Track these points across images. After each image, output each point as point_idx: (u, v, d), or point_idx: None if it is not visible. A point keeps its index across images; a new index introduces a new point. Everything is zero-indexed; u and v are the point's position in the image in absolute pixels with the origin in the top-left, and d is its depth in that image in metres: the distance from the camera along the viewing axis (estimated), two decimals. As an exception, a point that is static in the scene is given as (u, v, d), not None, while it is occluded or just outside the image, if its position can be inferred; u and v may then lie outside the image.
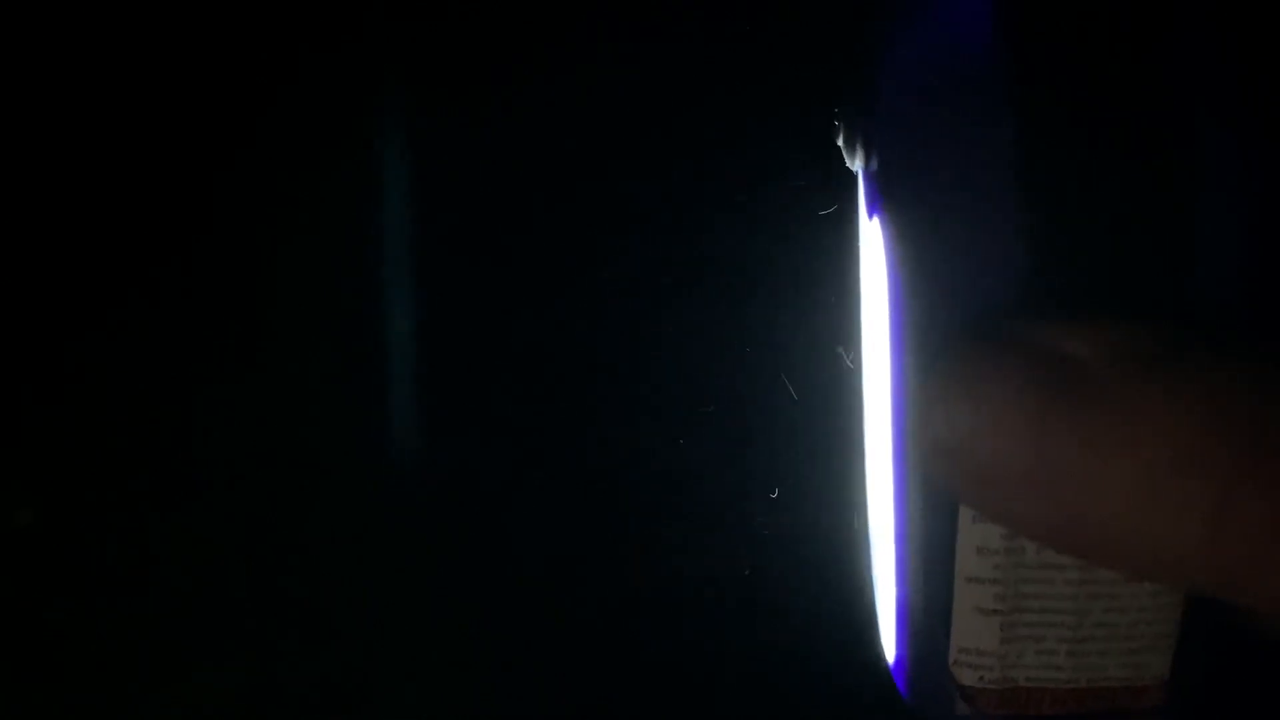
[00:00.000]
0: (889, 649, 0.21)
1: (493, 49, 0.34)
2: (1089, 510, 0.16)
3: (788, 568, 0.33)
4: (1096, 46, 0.17)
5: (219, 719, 0.36)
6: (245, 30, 0.34)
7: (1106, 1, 0.17)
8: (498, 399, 0.36)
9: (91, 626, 0.36)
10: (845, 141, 0.20)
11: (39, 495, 0.36)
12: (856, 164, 0.20)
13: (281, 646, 0.36)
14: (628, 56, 0.33)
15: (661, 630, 0.35)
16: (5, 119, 0.34)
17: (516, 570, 0.36)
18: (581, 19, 0.33)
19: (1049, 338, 0.16)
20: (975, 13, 0.18)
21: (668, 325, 0.34)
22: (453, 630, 0.36)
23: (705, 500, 0.34)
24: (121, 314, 0.35)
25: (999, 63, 0.17)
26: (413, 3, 0.34)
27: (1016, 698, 0.18)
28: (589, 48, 0.33)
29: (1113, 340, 0.16)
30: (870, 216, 0.20)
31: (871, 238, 0.20)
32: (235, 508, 0.36)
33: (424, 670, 0.36)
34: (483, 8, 0.34)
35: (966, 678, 0.19)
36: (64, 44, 0.34)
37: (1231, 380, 0.15)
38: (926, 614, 0.19)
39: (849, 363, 0.25)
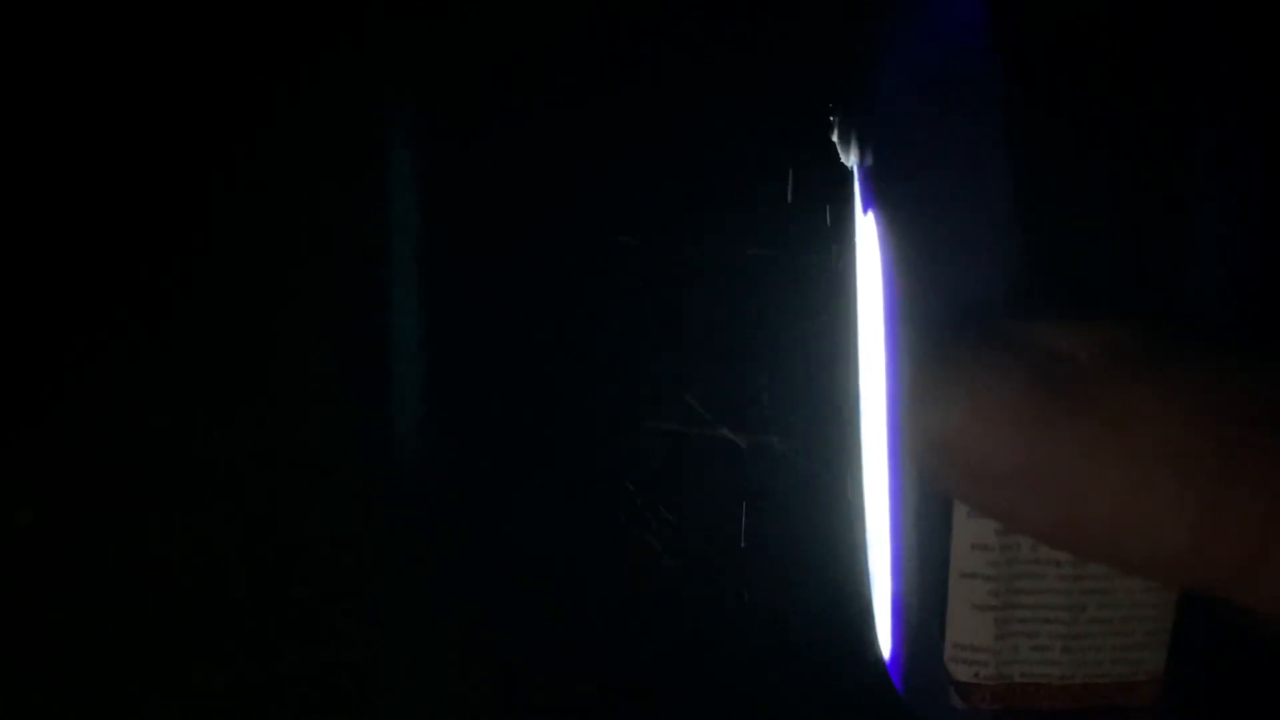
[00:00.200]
0: (884, 645, 0.21)
1: (495, 51, 0.34)
2: (1082, 507, 0.16)
3: (784, 565, 0.33)
4: (1091, 44, 0.17)
5: (219, 719, 0.36)
6: (249, 33, 0.34)
7: (1100, 1, 0.17)
8: (499, 399, 0.36)
9: (91, 626, 0.36)
10: (840, 138, 0.20)
11: (39, 495, 0.36)
12: (852, 160, 0.20)
13: (281, 646, 0.36)
14: (627, 56, 0.33)
15: (660, 629, 0.35)
16: (12, 117, 0.34)
17: (517, 570, 0.36)
18: (581, 19, 0.33)
19: (1043, 335, 0.16)
20: (970, 10, 0.18)
21: (668, 325, 0.34)
22: (453, 630, 0.37)
23: (705, 500, 0.34)
24: (122, 314, 0.36)
25: (994, 60, 0.17)
26: (417, 5, 0.34)
27: (1011, 693, 0.18)
28: (589, 48, 0.34)
29: (1106, 338, 0.16)
30: (865, 213, 0.20)
31: (866, 234, 0.20)
32: (236, 508, 0.36)
33: (424, 670, 0.36)
34: (485, 10, 0.34)
35: (961, 673, 0.19)
36: (65, 47, 0.34)
37: (1224, 379, 0.15)
38: (921, 610, 0.19)
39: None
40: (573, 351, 0.35)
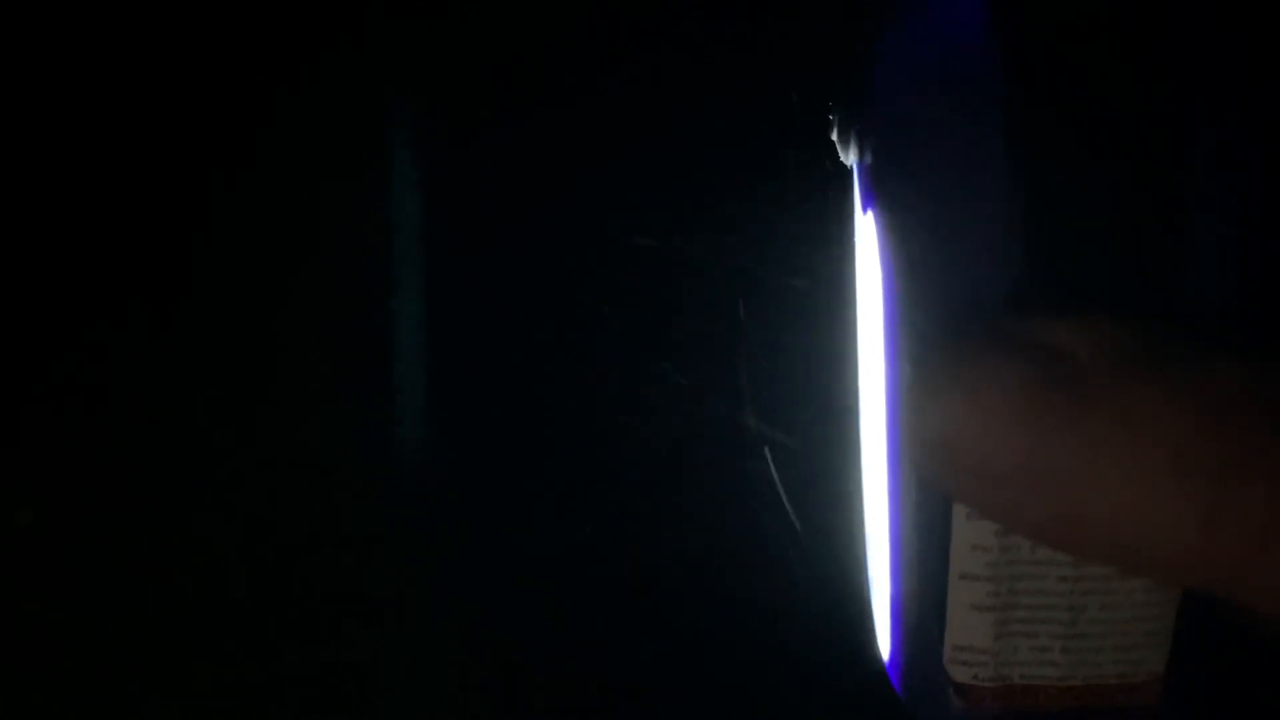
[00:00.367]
0: (884, 646, 0.21)
1: (496, 51, 0.34)
2: (1082, 507, 0.16)
3: (784, 565, 0.33)
4: (1091, 42, 0.17)
5: (219, 719, 0.36)
6: (249, 32, 0.34)
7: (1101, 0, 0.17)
8: (500, 400, 0.36)
9: (91, 626, 0.36)
10: (839, 137, 0.20)
11: (39, 495, 0.36)
12: (851, 159, 0.20)
13: (281, 646, 0.36)
14: (627, 56, 0.33)
15: (660, 630, 0.35)
16: (12, 116, 0.34)
17: (517, 570, 0.36)
18: (581, 18, 0.33)
19: (1043, 334, 0.16)
20: (970, 8, 0.18)
21: (668, 325, 0.34)
22: (453, 630, 0.36)
23: (705, 500, 0.34)
24: (123, 314, 0.36)
25: (993, 58, 0.17)
26: (417, 5, 0.34)
27: (1011, 695, 0.18)
28: (589, 48, 0.34)
29: (1106, 337, 0.16)
30: (865, 211, 0.20)
31: (866, 233, 0.20)
32: (236, 508, 0.36)
33: (424, 670, 0.36)
34: (486, 10, 0.34)
35: (961, 675, 0.19)
36: (66, 48, 0.34)
37: (1225, 378, 0.15)
38: (921, 611, 0.19)
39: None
40: (573, 351, 0.35)
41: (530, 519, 0.35)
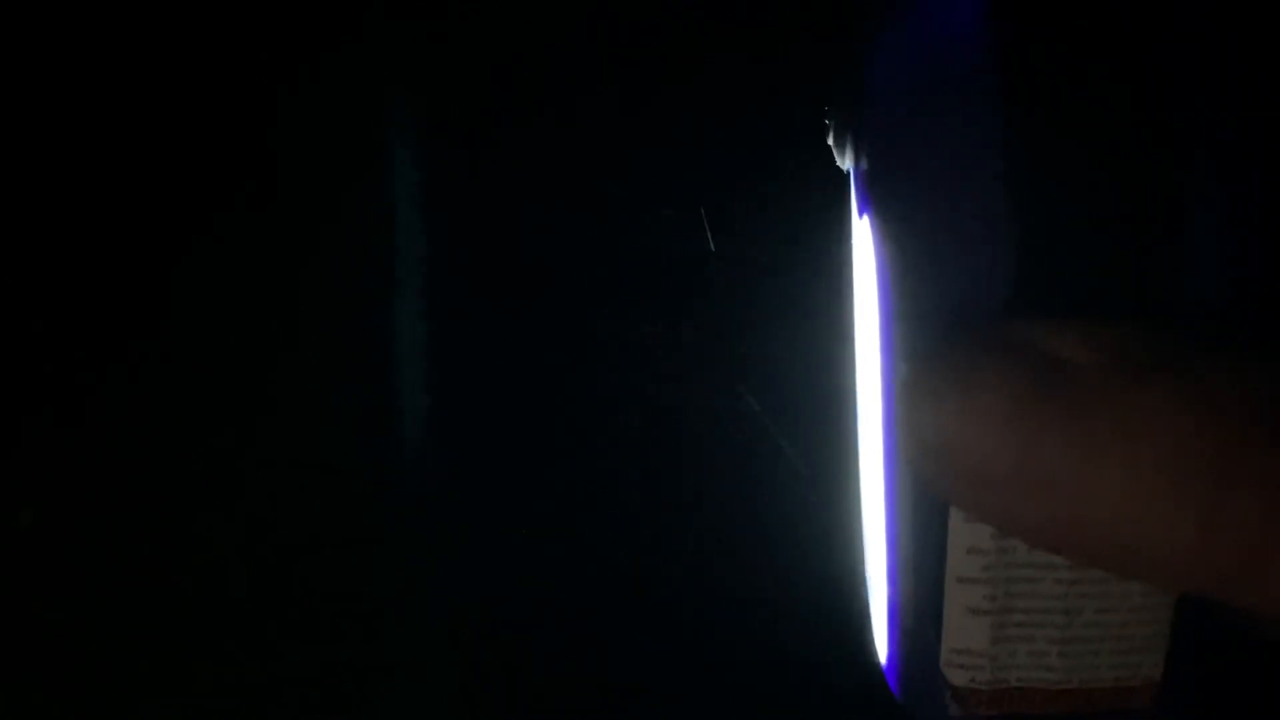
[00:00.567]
0: (881, 649, 0.21)
1: (497, 51, 0.34)
2: (1079, 510, 0.16)
3: (781, 568, 0.33)
4: (1087, 46, 0.17)
5: (219, 719, 0.36)
6: (249, 33, 0.34)
7: (1097, 1, 0.17)
8: (500, 400, 0.36)
9: (91, 627, 0.36)
10: (835, 140, 0.20)
11: (40, 496, 0.36)
12: (846, 163, 0.20)
13: (281, 646, 0.36)
14: (625, 59, 0.33)
15: (659, 630, 0.35)
16: (11, 116, 0.34)
17: (517, 570, 0.36)
18: (580, 19, 0.33)
19: (1040, 337, 0.16)
20: (966, 11, 0.18)
21: (668, 327, 0.34)
22: (453, 630, 0.37)
23: (704, 501, 0.34)
24: (124, 315, 0.36)
25: (989, 62, 0.17)
26: (418, 4, 0.34)
27: (1008, 698, 0.18)
28: (588, 48, 0.33)
29: (1103, 340, 0.16)
30: (861, 216, 0.20)
31: (862, 237, 0.20)
32: (236, 508, 0.36)
33: (424, 670, 0.36)
34: (487, 10, 0.34)
35: (958, 678, 0.19)
36: (66, 48, 0.34)
37: (1224, 380, 0.15)
38: (917, 614, 0.19)
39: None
40: (573, 351, 0.35)
41: (530, 519, 0.35)
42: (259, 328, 0.36)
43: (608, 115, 0.34)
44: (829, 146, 0.21)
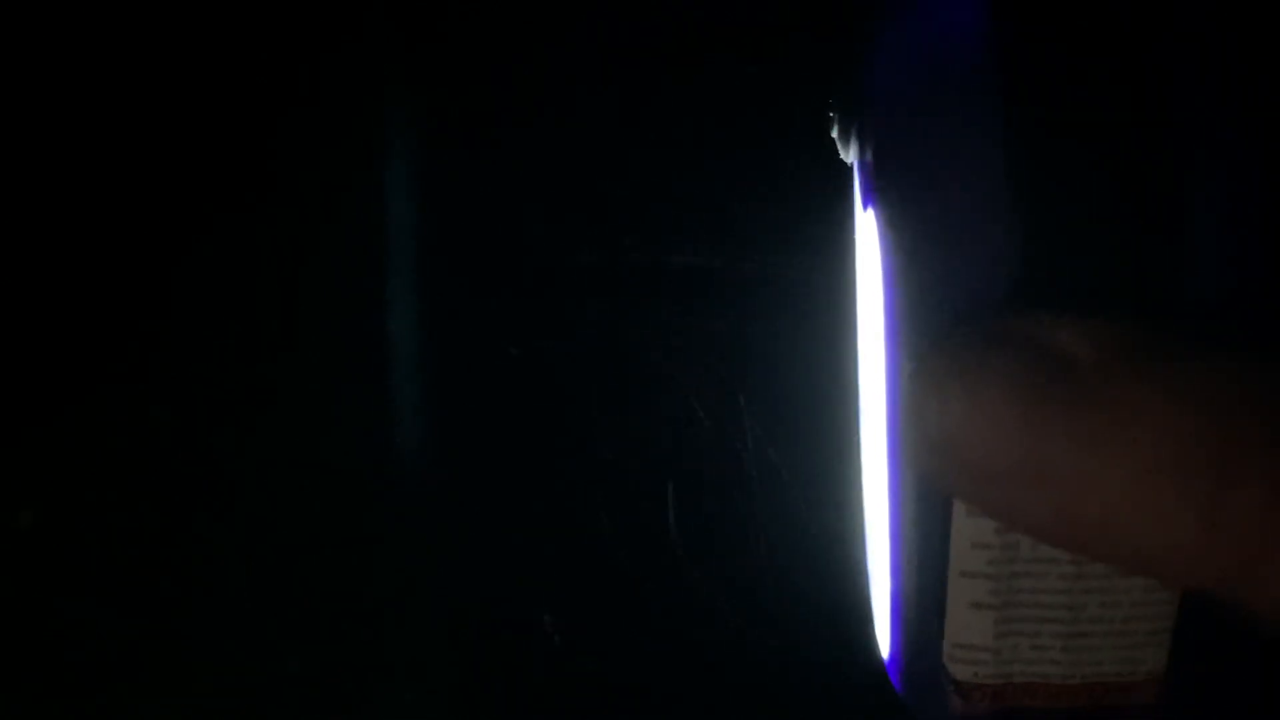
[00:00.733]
0: (884, 644, 0.21)
1: (496, 51, 0.34)
2: (1081, 505, 0.16)
3: (784, 564, 0.33)
4: (1087, 45, 0.17)
5: (219, 719, 0.36)
6: (248, 33, 0.34)
7: (1097, 1, 0.17)
8: (499, 400, 0.36)
9: (92, 627, 0.36)
10: (839, 134, 0.20)
11: (40, 497, 0.36)
12: (851, 157, 0.20)
13: (281, 646, 0.36)
14: (626, 57, 0.33)
15: (659, 629, 0.35)
16: (10, 116, 0.34)
17: (517, 570, 0.36)
18: (580, 19, 0.33)
19: (1043, 333, 0.16)
20: (968, 6, 0.18)
21: (668, 326, 0.34)
22: (453, 630, 0.36)
23: (705, 498, 0.34)
24: (123, 315, 0.36)
25: (992, 55, 0.17)
26: (418, 4, 0.34)
27: (1011, 693, 0.18)
28: (588, 48, 0.34)
29: (1106, 336, 0.16)
30: (865, 209, 0.20)
31: (866, 231, 0.20)
32: (236, 508, 0.36)
33: (424, 670, 0.36)
34: (487, 10, 0.34)
35: (961, 673, 0.19)
36: (65, 47, 0.34)
37: (1225, 377, 0.15)
38: (921, 609, 0.19)
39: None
40: (573, 351, 0.35)
41: (530, 519, 0.35)
42: (258, 327, 0.36)
43: (607, 115, 0.34)
44: (833, 141, 0.21)
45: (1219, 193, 0.17)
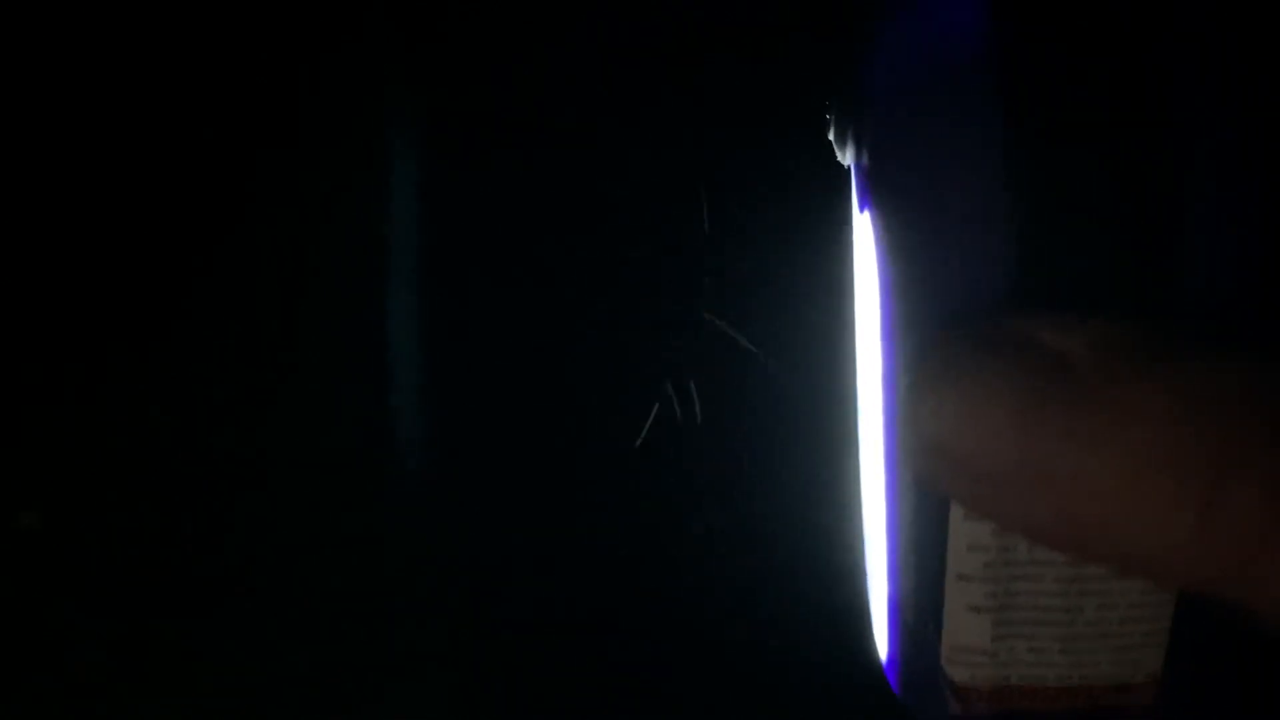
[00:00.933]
0: (882, 647, 0.21)
1: (497, 52, 0.34)
2: (1080, 506, 0.16)
3: (782, 566, 0.33)
4: (1086, 42, 0.17)
5: (219, 719, 0.36)
6: (248, 33, 0.34)
7: (1097, 1, 0.17)
8: (499, 399, 0.36)
9: (93, 628, 0.36)
10: (836, 136, 0.20)
11: (42, 498, 0.36)
12: (848, 158, 0.20)
13: (281, 646, 0.36)
14: (625, 58, 0.33)
15: (659, 629, 0.35)
16: (10, 117, 0.34)
17: (516, 570, 0.36)
18: (580, 19, 0.33)
19: (1039, 334, 0.16)
20: (966, 8, 0.18)
21: (668, 326, 0.34)
22: (453, 630, 0.36)
23: (701, 501, 0.34)
24: (124, 315, 0.36)
25: (992, 56, 0.17)
26: (418, 4, 0.34)
27: (1009, 695, 0.18)
28: (588, 48, 0.34)
29: (1102, 337, 0.16)
30: (862, 211, 0.20)
31: (863, 233, 0.20)
32: (236, 508, 0.36)
33: (424, 670, 0.36)
34: (488, 10, 0.34)
35: (959, 675, 0.19)
36: (65, 47, 0.34)
37: (1222, 378, 0.15)
38: (918, 612, 0.19)
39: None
40: (573, 351, 0.35)
41: (530, 519, 0.35)
42: (258, 328, 0.36)
43: (607, 115, 0.34)
44: (830, 143, 0.21)
45: (1218, 193, 0.17)
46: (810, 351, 0.31)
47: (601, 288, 0.34)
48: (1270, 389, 0.15)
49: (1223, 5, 0.17)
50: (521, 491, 0.35)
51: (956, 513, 0.17)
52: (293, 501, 0.36)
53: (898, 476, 0.18)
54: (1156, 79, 0.17)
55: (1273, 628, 0.16)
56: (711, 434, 0.34)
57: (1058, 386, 0.16)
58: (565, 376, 0.35)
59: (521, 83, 0.34)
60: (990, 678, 0.18)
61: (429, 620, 0.36)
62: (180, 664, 0.36)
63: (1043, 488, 0.16)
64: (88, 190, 0.35)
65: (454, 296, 0.35)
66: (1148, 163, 0.17)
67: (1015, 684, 0.18)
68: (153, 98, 0.35)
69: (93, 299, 0.35)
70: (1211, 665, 0.18)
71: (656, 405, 0.34)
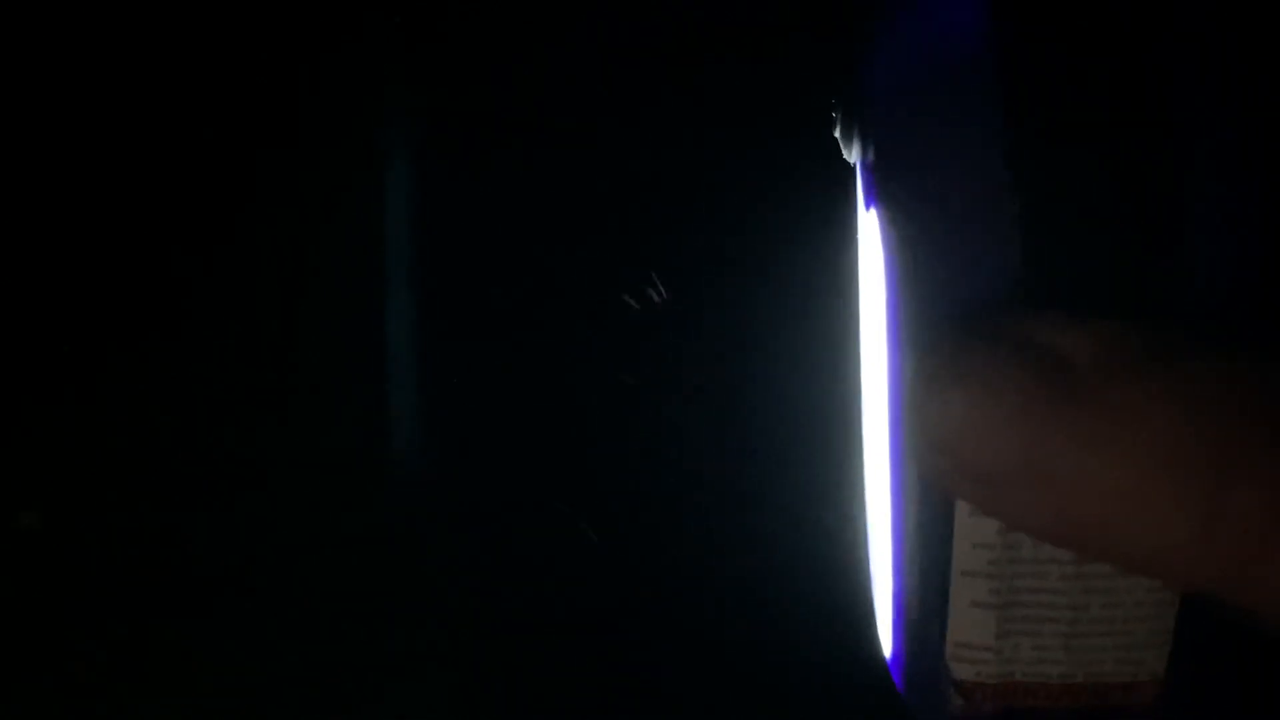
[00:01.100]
0: (886, 643, 0.21)
1: (496, 52, 0.34)
2: (1082, 506, 0.16)
3: (785, 563, 0.33)
4: (1090, 40, 0.17)
5: (219, 719, 0.36)
6: (248, 33, 0.34)
7: (1097, 1, 0.17)
8: (498, 400, 0.36)
9: (93, 628, 0.36)
10: (842, 134, 0.21)
11: (43, 498, 0.36)
12: (853, 156, 0.20)
13: (281, 646, 0.36)
14: (626, 58, 0.33)
15: (660, 628, 0.35)
16: (11, 117, 0.34)
17: (516, 569, 0.36)
18: (581, 19, 0.33)
19: (1043, 334, 0.16)
20: (966, 8, 0.18)
21: (668, 325, 0.34)
22: (453, 630, 0.36)
23: (704, 499, 0.34)
24: (124, 316, 0.36)
25: (993, 55, 0.17)
26: (418, 4, 0.34)
27: (1013, 692, 0.18)
28: (588, 49, 0.34)
29: (1106, 338, 0.16)
30: (867, 209, 0.20)
31: (868, 231, 0.20)
32: (237, 508, 0.36)
33: (424, 670, 0.36)
34: (486, 10, 0.34)
35: (963, 672, 0.19)
36: (64, 47, 0.34)
37: (1224, 378, 0.15)
38: (923, 608, 0.19)
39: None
40: (572, 351, 0.35)
41: (529, 519, 0.35)
42: (258, 328, 0.36)
43: (607, 115, 0.34)
44: (836, 139, 0.21)
45: (1218, 194, 0.17)
46: (815, 348, 0.31)
47: (601, 287, 0.34)
48: (1271, 389, 0.15)
49: (1223, 5, 0.17)
50: (521, 491, 0.35)
51: (961, 510, 0.17)
52: (293, 501, 0.36)
53: (902, 474, 0.18)
54: (1156, 79, 0.17)
55: (1275, 627, 0.16)
56: (714, 432, 0.34)
57: (1060, 386, 0.16)
58: (564, 376, 0.35)
59: (521, 83, 0.34)
60: (994, 675, 0.18)
61: (429, 620, 0.36)
62: (180, 664, 0.36)
63: (1045, 487, 0.16)
64: (87, 190, 0.35)
65: (453, 296, 0.35)
66: (1148, 163, 0.17)
67: (1019, 681, 0.18)
68: (153, 98, 0.35)
69: (93, 299, 0.35)
70: (1215, 664, 0.18)
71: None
